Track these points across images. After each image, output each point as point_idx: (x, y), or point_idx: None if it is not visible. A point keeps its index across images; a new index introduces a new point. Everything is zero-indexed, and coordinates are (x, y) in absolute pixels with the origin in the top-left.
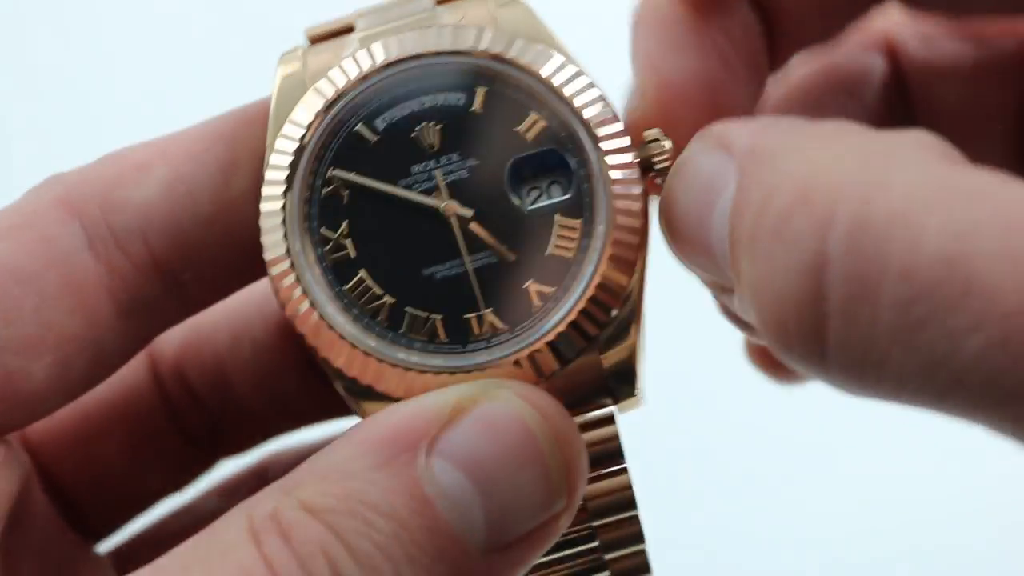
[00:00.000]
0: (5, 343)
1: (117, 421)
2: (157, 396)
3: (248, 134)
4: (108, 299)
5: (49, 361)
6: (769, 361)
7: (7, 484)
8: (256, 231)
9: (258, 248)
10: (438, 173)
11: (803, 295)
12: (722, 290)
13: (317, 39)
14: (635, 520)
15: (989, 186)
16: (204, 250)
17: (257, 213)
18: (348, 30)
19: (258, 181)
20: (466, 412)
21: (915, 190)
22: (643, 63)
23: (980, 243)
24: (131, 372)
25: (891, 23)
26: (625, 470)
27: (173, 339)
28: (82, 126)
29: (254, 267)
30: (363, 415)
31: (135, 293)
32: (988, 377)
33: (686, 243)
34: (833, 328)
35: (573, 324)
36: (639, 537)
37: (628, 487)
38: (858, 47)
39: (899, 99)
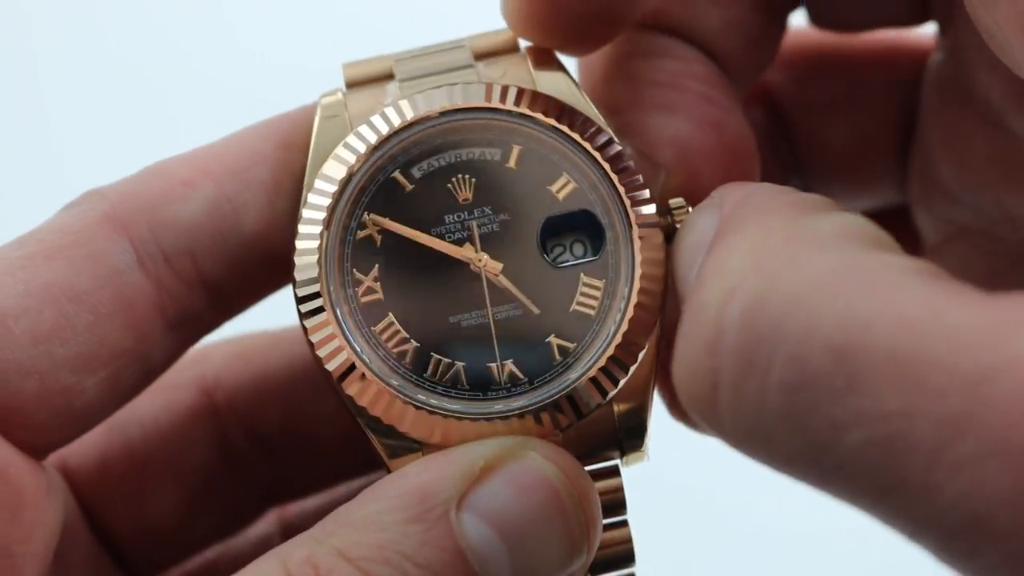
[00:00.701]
0: (62, 361)
1: (171, 466)
2: (216, 443)
3: (289, 158)
4: (157, 314)
5: (101, 376)
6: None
7: (52, 516)
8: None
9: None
10: (471, 225)
11: (700, 364)
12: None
13: (355, 83)
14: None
15: (895, 278)
16: (249, 266)
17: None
18: (387, 76)
19: (298, 200)
20: (495, 470)
21: (820, 275)
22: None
23: (870, 339)
24: (188, 416)
25: (772, 80)
26: (626, 522)
27: (240, 386)
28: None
29: (286, 274)
30: (386, 458)
31: (182, 307)
32: (868, 470)
33: (681, 300)
34: (724, 401)
35: (592, 380)
36: None
37: (628, 540)
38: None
39: (784, 145)
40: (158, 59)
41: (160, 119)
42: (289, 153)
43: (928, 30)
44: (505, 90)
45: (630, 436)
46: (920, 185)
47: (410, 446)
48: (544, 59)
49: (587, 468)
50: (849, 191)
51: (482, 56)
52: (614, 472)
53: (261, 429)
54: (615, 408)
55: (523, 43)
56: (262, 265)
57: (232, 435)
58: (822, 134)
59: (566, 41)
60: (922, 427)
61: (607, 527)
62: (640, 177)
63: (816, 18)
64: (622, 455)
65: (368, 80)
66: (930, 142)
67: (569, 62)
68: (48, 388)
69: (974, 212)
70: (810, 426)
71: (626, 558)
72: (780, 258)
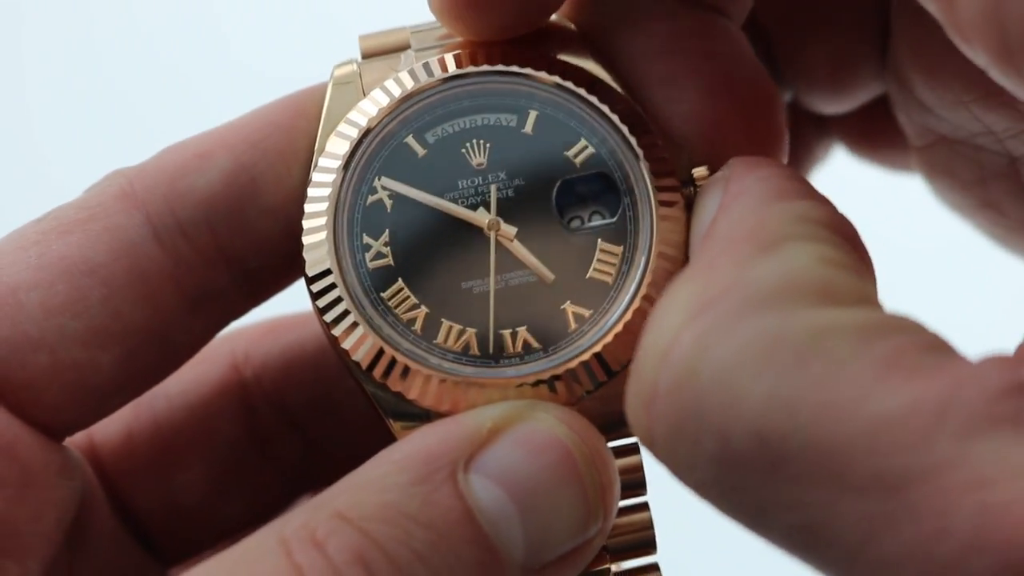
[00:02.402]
0: (74, 334)
1: (198, 441)
2: (245, 418)
3: (306, 127)
4: (175, 289)
5: (116, 353)
6: None
7: (66, 496)
8: None
9: None
10: (485, 190)
11: (638, 417)
12: None
13: (371, 54)
14: (655, 567)
15: (826, 351)
16: (269, 238)
17: None
18: (403, 47)
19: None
20: (504, 432)
21: (751, 346)
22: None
23: (792, 425)
24: (217, 390)
25: None
26: (646, 505)
27: (270, 361)
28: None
29: None
30: (391, 428)
31: (202, 283)
32: (797, 549)
33: None
34: (661, 456)
35: (609, 347)
36: None
37: (649, 525)
38: None
39: (769, 61)
40: (148, 64)
41: (150, 124)
42: (306, 122)
43: None
44: (522, 54)
45: None
46: (898, 97)
47: (418, 413)
48: (562, 26)
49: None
50: (835, 99)
51: None
52: (633, 450)
53: (291, 405)
54: None
55: None
56: (284, 238)
57: (261, 411)
58: (803, 52)
59: (494, 31)
60: (843, 522)
61: (625, 510)
62: (660, 143)
63: None
64: None
65: (384, 51)
66: (902, 56)
67: None
68: (60, 363)
69: (953, 126)
70: (741, 502)
71: (647, 544)
72: (717, 315)
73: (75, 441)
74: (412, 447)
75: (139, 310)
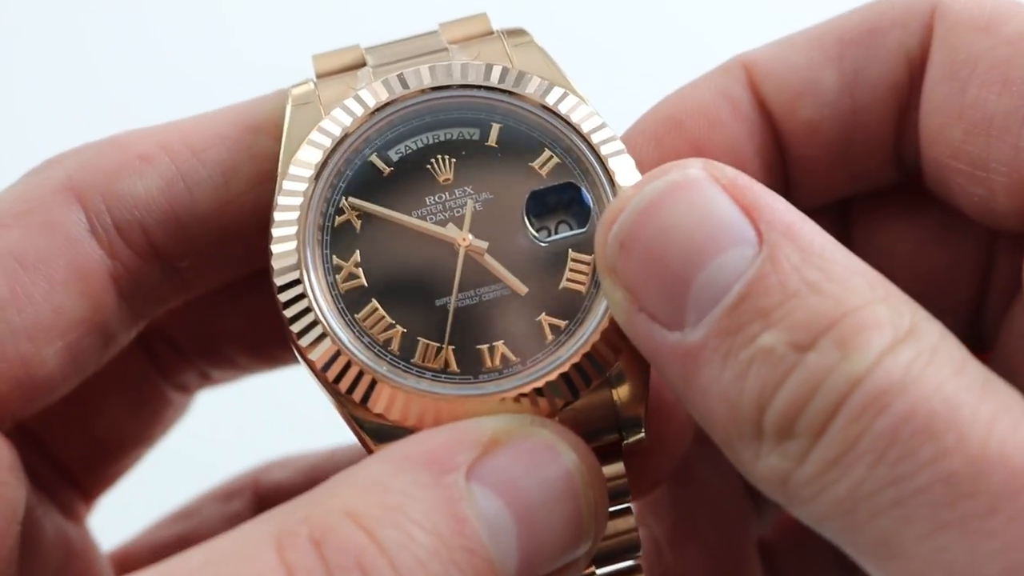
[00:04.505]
0: (19, 329)
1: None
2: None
3: (251, 141)
4: (111, 283)
5: (60, 346)
6: None
7: (18, 491)
8: (252, 227)
9: (254, 242)
10: (453, 205)
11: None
12: (640, 316)
13: (326, 73)
14: (638, 569)
15: None
16: (201, 242)
17: (254, 211)
18: (358, 65)
19: (256, 183)
20: (504, 444)
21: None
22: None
23: None
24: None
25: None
26: (630, 510)
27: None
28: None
29: (251, 258)
30: (372, 444)
31: (135, 278)
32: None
33: (648, 271)
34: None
35: (587, 357)
36: None
37: (633, 529)
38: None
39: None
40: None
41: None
42: (253, 136)
43: None
44: (481, 68)
45: (629, 418)
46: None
47: (400, 434)
48: (519, 39)
49: None
50: None
51: (456, 41)
52: (616, 456)
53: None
54: (613, 389)
55: (496, 25)
56: (218, 244)
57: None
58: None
59: None
60: None
61: (610, 515)
62: (625, 148)
63: None
64: (623, 439)
65: (339, 69)
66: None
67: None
68: (7, 357)
69: None
70: None
71: (631, 547)
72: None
73: None
74: (417, 449)
75: (79, 303)
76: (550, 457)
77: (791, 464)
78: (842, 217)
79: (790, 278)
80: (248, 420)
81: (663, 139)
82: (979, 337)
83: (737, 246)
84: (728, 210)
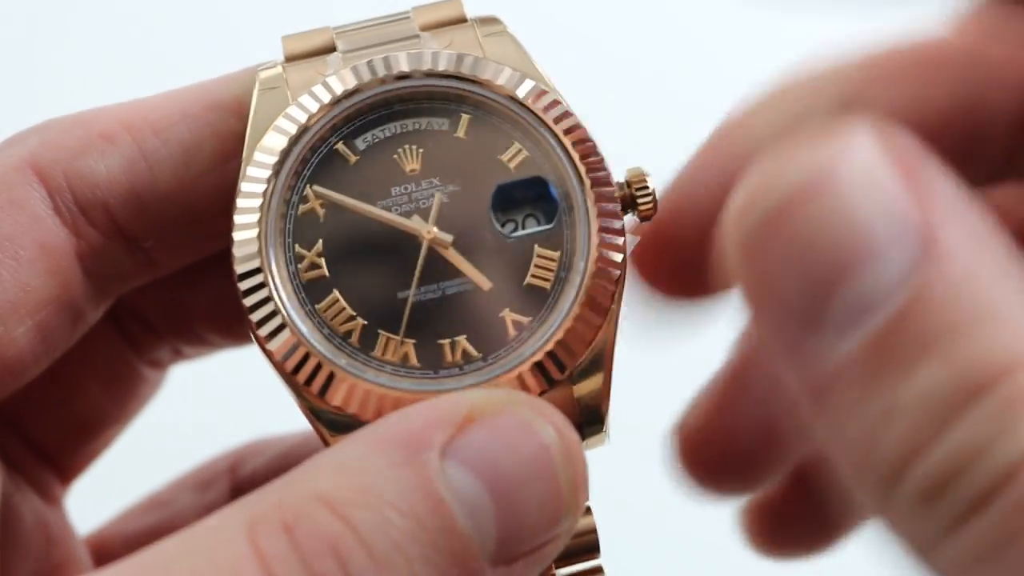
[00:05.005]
0: None
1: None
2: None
3: (214, 119)
4: (77, 262)
5: (30, 325)
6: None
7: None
8: (216, 207)
9: (219, 222)
10: (419, 197)
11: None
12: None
13: (295, 56)
14: (599, 570)
15: None
16: (165, 221)
17: (217, 191)
18: (329, 49)
19: (218, 162)
20: (480, 420)
21: None
22: None
23: None
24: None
25: None
26: (589, 508)
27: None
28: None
29: (217, 238)
30: (328, 436)
31: (100, 256)
32: None
33: (789, 265)
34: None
35: (549, 355)
36: None
37: (593, 530)
38: None
39: None
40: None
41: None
42: (216, 114)
43: None
44: (452, 57)
45: (589, 418)
46: None
47: (354, 425)
48: (492, 27)
49: None
50: None
51: (428, 28)
52: None
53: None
54: (573, 388)
55: (470, 13)
56: (182, 223)
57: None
58: None
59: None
60: None
61: None
62: (595, 145)
63: None
64: (583, 438)
65: (309, 53)
66: None
67: (521, 33)
68: None
69: None
70: None
71: (591, 548)
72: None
73: None
74: (390, 430)
75: (46, 281)
76: (527, 433)
77: (937, 532)
78: None
79: (965, 301)
80: (218, 397)
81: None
82: None
83: (902, 249)
84: (897, 200)
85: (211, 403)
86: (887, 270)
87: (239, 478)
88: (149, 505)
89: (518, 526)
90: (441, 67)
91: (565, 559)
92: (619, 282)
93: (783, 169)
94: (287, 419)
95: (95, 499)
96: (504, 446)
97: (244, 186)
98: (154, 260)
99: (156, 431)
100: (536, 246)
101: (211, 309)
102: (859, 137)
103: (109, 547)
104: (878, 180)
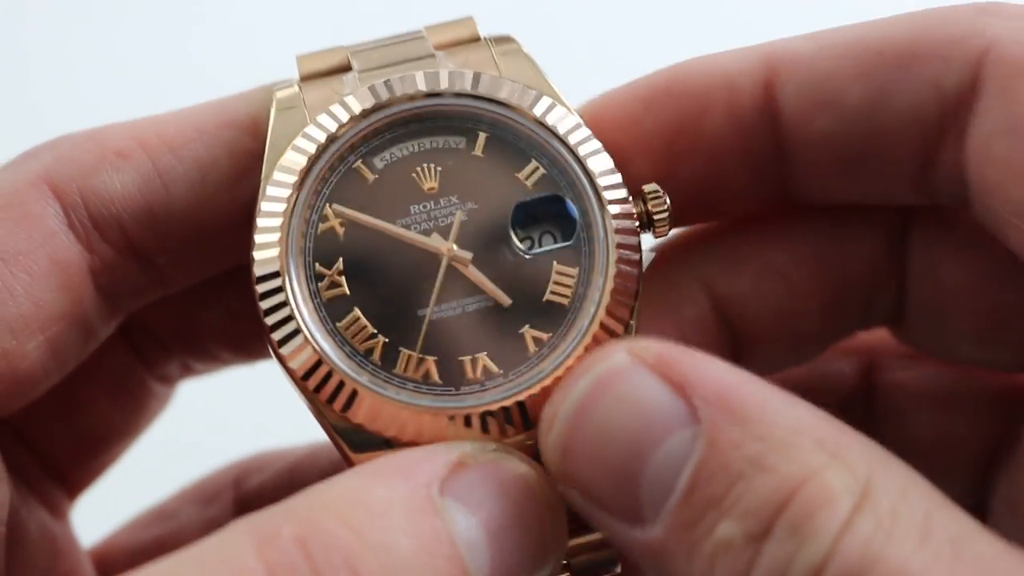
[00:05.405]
0: (1, 323)
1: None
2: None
3: (229, 137)
4: (89, 277)
5: (42, 339)
6: None
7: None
8: (230, 224)
9: (232, 239)
10: (438, 215)
11: None
12: (603, 514)
13: (311, 75)
14: None
15: None
16: (178, 239)
17: (231, 208)
18: (344, 69)
19: (233, 180)
20: (472, 465)
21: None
22: None
23: None
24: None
25: (877, 336)
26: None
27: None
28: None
29: (230, 255)
30: (350, 453)
31: (113, 272)
32: None
33: (596, 472)
34: None
35: (571, 370)
36: None
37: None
38: (835, 350)
39: (864, 408)
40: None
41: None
42: (231, 132)
43: None
44: (469, 76)
45: None
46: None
47: (379, 443)
48: (507, 46)
49: None
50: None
51: (442, 47)
52: None
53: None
54: None
55: (483, 32)
56: (195, 240)
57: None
58: (910, 412)
59: None
60: None
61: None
62: (612, 162)
63: (909, 340)
64: None
65: (325, 72)
66: None
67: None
68: None
69: None
70: None
71: (611, 562)
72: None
73: None
74: (388, 465)
75: (59, 297)
76: (516, 479)
77: None
78: (902, 242)
79: (733, 459)
80: (222, 410)
81: (652, 105)
82: None
83: (675, 431)
84: (659, 395)
85: (212, 414)
86: (671, 454)
87: (244, 492)
88: (152, 517)
89: (508, 559)
90: (458, 87)
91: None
92: (636, 297)
93: (571, 388)
94: (289, 432)
95: (94, 509)
96: (496, 489)
97: (264, 205)
98: (166, 277)
99: (157, 442)
100: (555, 263)
101: (222, 325)
102: (616, 353)
103: (113, 560)
104: (640, 381)
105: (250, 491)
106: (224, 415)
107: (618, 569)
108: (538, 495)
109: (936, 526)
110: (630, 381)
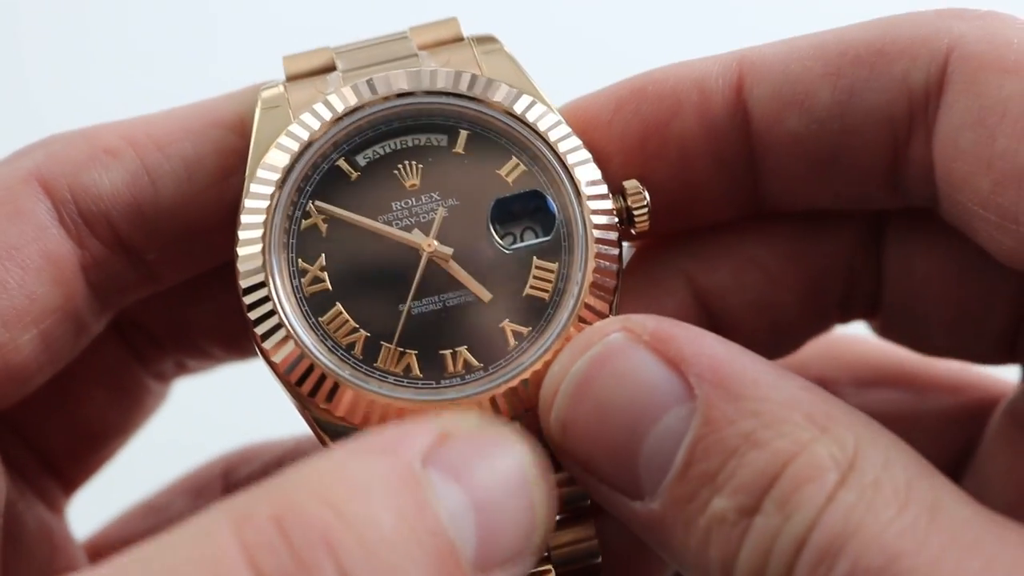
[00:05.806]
0: None
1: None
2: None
3: (216, 135)
4: (81, 272)
5: (35, 333)
6: None
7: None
8: (218, 221)
9: (220, 236)
10: (418, 211)
11: None
12: (603, 487)
13: (296, 75)
14: (598, 568)
15: None
16: (166, 234)
17: (219, 206)
18: (328, 69)
19: (220, 178)
20: (455, 436)
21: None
22: None
23: None
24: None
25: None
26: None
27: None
28: None
29: (218, 252)
30: (329, 442)
31: (104, 268)
32: None
33: (596, 448)
34: None
35: (549, 364)
36: None
37: (593, 537)
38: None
39: None
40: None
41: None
42: (218, 131)
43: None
44: (450, 75)
45: None
46: None
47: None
48: (489, 46)
49: None
50: None
51: (426, 47)
52: None
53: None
54: None
55: (466, 32)
56: (184, 237)
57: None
58: None
59: None
60: None
61: (569, 521)
62: (591, 158)
63: (885, 332)
64: None
65: (309, 72)
66: (993, 467)
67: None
68: None
69: None
70: None
71: (591, 553)
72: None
73: None
74: (370, 441)
75: (51, 290)
76: (501, 448)
77: None
78: (877, 237)
79: (727, 434)
80: (213, 408)
81: (623, 106)
82: (1019, 356)
83: (672, 408)
84: (655, 371)
85: (202, 407)
86: (668, 429)
87: (232, 483)
88: (144, 510)
89: (496, 537)
90: (440, 85)
91: (566, 565)
92: (616, 292)
93: (569, 364)
94: (281, 430)
95: (86, 505)
96: (482, 459)
97: (248, 202)
98: (156, 273)
99: (149, 440)
100: (535, 258)
101: (214, 323)
102: (611, 330)
103: (106, 553)
104: (637, 359)
105: (239, 482)
106: (215, 413)
107: (598, 560)
108: (525, 464)
109: (915, 494)
110: (626, 358)
